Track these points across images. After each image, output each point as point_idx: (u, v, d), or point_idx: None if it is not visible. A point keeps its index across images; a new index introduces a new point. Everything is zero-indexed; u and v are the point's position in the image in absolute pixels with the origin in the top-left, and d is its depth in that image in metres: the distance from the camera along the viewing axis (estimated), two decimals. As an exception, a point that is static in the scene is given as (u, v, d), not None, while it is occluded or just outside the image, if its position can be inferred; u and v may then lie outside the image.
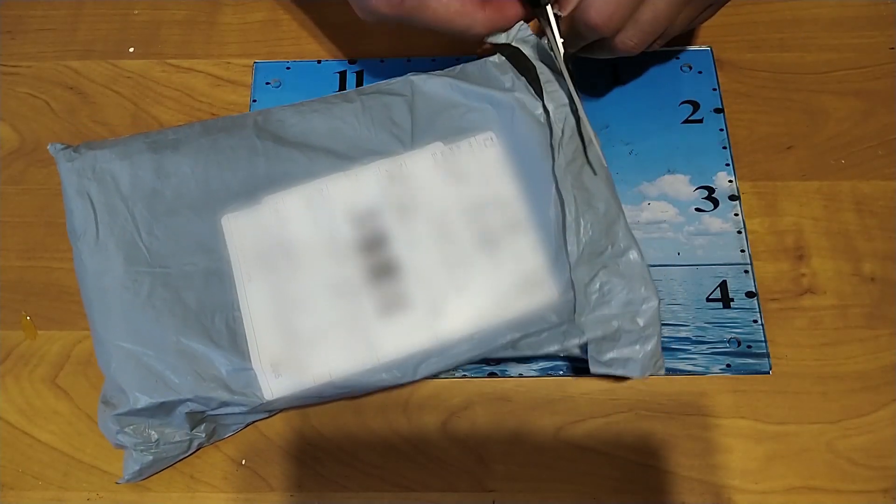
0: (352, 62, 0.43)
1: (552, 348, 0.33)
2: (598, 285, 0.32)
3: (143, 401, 0.32)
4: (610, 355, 0.32)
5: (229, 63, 0.44)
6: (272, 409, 0.34)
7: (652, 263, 0.38)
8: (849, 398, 0.35)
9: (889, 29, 0.43)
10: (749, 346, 0.36)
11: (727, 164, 0.40)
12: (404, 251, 0.33)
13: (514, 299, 0.33)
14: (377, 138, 0.35)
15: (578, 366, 0.36)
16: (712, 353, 0.36)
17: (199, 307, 0.33)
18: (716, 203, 0.39)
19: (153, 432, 0.32)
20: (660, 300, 0.32)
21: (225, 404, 0.32)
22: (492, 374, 0.36)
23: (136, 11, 0.45)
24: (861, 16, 0.43)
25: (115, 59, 0.44)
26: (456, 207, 0.34)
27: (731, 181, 0.39)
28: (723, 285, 0.37)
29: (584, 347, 0.33)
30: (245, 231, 0.34)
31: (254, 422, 0.35)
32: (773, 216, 0.39)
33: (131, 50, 0.44)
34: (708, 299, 0.37)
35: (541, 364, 0.36)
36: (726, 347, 0.36)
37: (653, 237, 0.38)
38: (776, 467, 0.34)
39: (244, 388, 0.32)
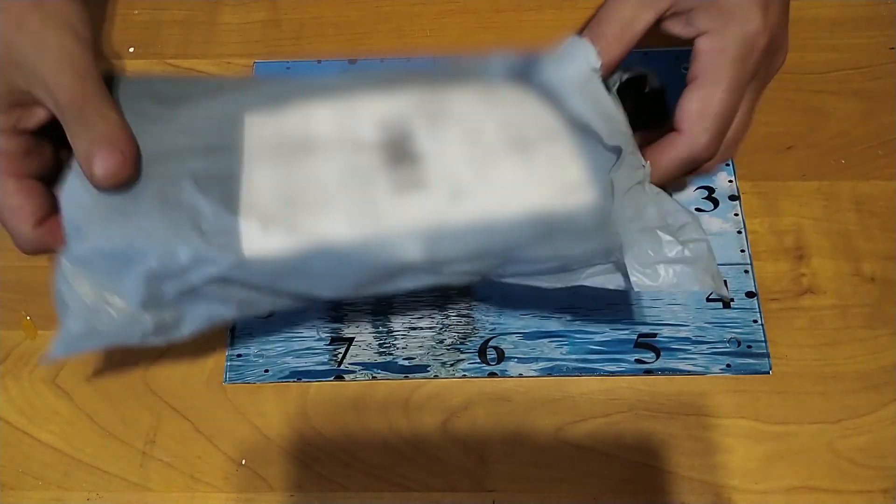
0: (352, 62, 0.43)
1: (576, 250, 0.29)
2: (638, 195, 0.29)
3: (99, 239, 0.28)
4: (656, 261, 0.28)
5: (229, 63, 0.44)
6: (248, 282, 0.29)
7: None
8: (849, 398, 0.35)
9: (889, 29, 0.43)
10: (749, 346, 0.36)
11: (727, 164, 0.40)
12: (428, 146, 0.30)
13: (543, 196, 0.29)
14: (416, 81, 0.33)
15: (578, 365, 0.36)
16: (712, 353, 0.36)
17: (194, 173, 0.29)
18: (716, 203, 0.39)
19: (99, 294, 0.28)
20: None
21: (194, 260, 0.27)
22: (492, 374, 0.36)
23: (136, 11, 0.45)
24: (861, 16, 0.43)
25: (115, 58, 0.44)
26: (492, 117, 0.31)
27: (731, 181, 0.39)
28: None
29: (616, 254, 0.28)
30: (265, 128, 0.31)
31: (217, 321, 0.30)
32: (773, 216, 0.39)
33: (131, 50, 0.44)
34: (708, 299, 0.37)
35: (541, 364, 0.36)
36: (726, 347, 0.36)
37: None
38: (776, 467, 0.34)
39: (221, 235, 0.28)
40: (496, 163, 0.30)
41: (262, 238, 0.28)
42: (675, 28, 0.31)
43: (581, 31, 0.32)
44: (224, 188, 0.29)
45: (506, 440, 0.35)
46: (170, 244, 0.27)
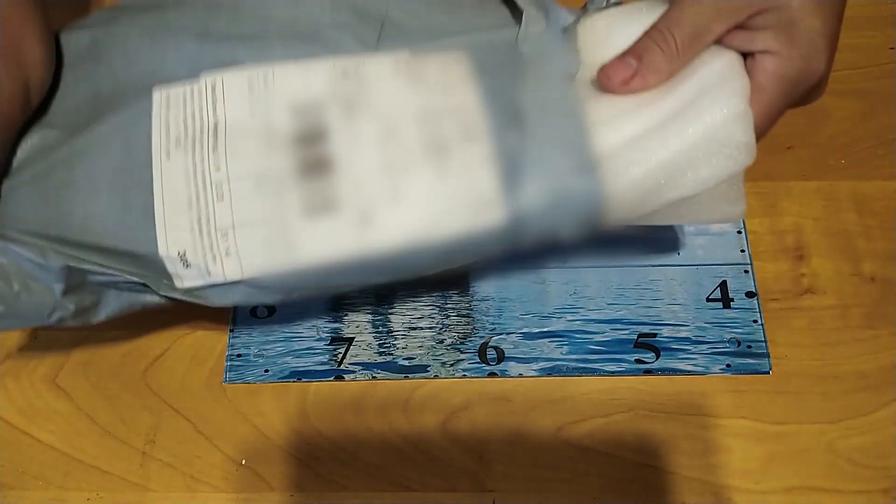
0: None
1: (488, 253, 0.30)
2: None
3: (29, 227, 0.29)
4: None
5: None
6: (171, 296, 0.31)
7: (652, 263, 0.38)
8: (849, 398, 0.35)
9: (889, 29, 0.43)
10: (749, 346, 0.36)
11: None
12: (342, 148, 0.30)
13: (453, 216, 0.29)
14: (339, 37, 0.32)
15: (578, 365, 0.36)
16: (712, 353, 0.36)
17: (113, 180, 0.30)
18: (716, 203, 0.39)
19: (19, 282, 0.29)
20: None
21: (123, 275, 0.30)
22: (492, 374, 0.36)
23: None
24: (861, 16, 0.43)
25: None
26: (409, 111, 0.30)
27: (731, 181, 0.39)
28: (723, 285, 0.37)
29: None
30: (175, 106, 0.31)
31: (136, 308, 0.32)
32: (773, 216, 0.39)
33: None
34: (708, 299, 0.37)
35: (541, 364, 0.36)
36: (726, 347, 0.36)
37: (653, 237, 0.38)
38: (776, 467, 0.34)
39: (152, 270, 0.29)
40: (409, 174, 0.29)
41: (186, 273, 0.29)
42: (735, 40, 0.30)
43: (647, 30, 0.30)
44: (139, 197, 0.30)
45: (506, 440, 0.35)
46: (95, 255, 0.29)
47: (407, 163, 0.29)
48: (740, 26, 0.30)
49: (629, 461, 0.34)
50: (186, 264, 0.29)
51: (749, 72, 0.30)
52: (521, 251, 0.30)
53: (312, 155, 0.30)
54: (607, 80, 0.30)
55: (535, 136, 0.29)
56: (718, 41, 0.30)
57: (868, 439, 0.34)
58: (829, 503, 0.33)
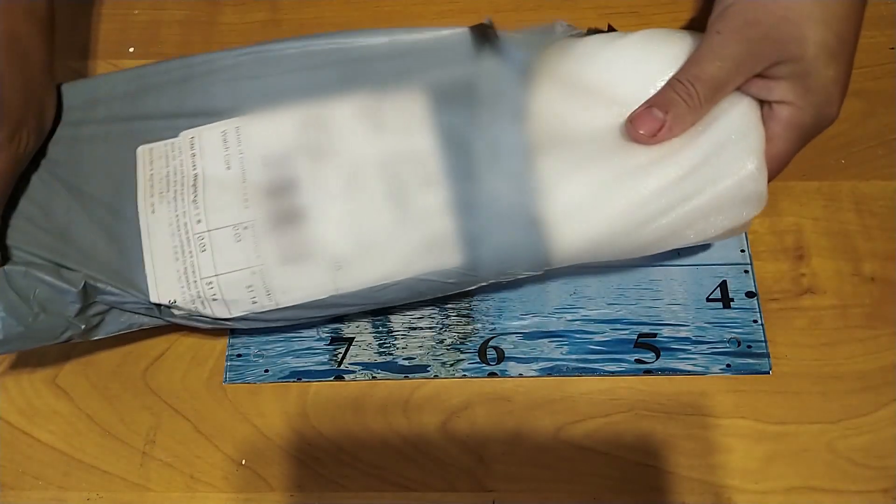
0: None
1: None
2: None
3: (41, 253, 0.32)
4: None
5: (229, 63, 0.43)
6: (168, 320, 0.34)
7: (652, 263, 0.38)
8: (849, 398, 0.35)
9: (889, 29, 0.43)
10: (749, 346, 0.36)
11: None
12: (311, 200, 0.32)
13: (415, 260, 0.32)
14: (304, 82, 0.34)
15: (578, 365, 0.36)
16: (712, 353, 0.36)
17: (108, 242, 0.33)
18: (716, 203, 0.39)
19: (38, 304, 0.31)
20: None
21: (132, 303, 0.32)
22: (492, 374, 0.36)
23: (136, 11, 0.45)
24: (861, 16, 0.43)
25: (115, 59, 0.44)
26: (372, 159, 0.33)
27: (731, 181, 0.39)
28: (723, 285, 0.37)
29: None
30: (157, 161, 0.33)
31: (136, 327, 0.34)
32: (773, 216, 0.39)
33: (131, 50, 0.44)
34: (708, 299, 0.37)
35: (541, 364, 0.36)
36: (726, 347, 0.36)
37: (653, 237, 0.38)
38: (776, 467, 0.34)
39: (147, 312, 0.33)
40: (373, 223, 0.32)
41: (177, 313, 0.33)
42: (753, 88, 0.31)
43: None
44: (131, 243, 0.32)
45: (506, 440, 0.35)
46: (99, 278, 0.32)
47: (371, 211, 0.32)
48: (758, 75, 0.31)
49: (629, 461, 0.34)
50: (178, 309, 0.32)
51: (764, 119, 0.31)
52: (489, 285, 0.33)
53: (284, 207, 0.32)
54: (635, 132, 0.31)
55: (486, 185, 0.31)
56: (737, 88, 0.31)
57: (868, 439, 0.34)
58: (829, 503, 0.33)
